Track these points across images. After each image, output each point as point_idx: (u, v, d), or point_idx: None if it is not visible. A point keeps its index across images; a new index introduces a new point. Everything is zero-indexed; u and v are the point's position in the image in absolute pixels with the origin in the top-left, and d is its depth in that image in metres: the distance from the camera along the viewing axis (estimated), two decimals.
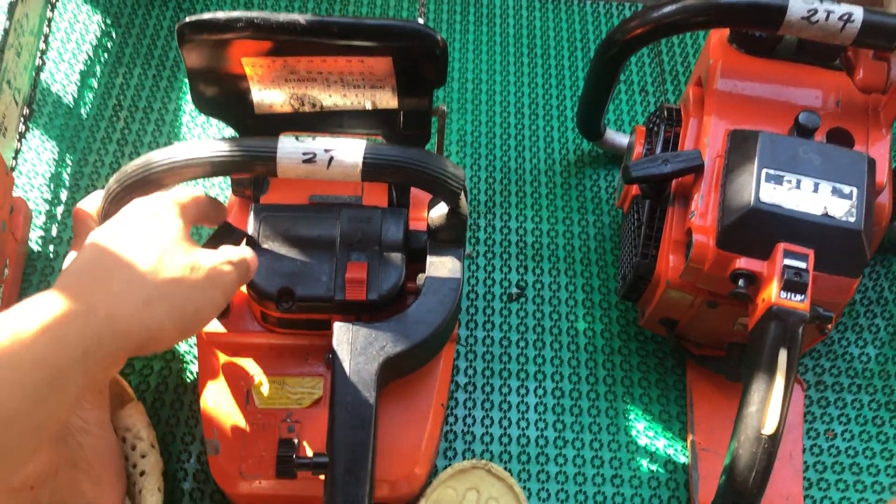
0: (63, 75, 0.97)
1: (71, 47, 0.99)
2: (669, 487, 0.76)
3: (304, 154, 0.55)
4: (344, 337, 0.59)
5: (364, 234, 0.62)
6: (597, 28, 1.06)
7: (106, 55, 0.99)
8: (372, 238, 0.62)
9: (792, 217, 0.63)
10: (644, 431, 0.79)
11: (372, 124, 0.63)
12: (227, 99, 0.61)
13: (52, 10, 0.99)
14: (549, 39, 1.04)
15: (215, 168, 0.55)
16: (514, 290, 0.85)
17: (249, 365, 0.64)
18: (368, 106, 0.61)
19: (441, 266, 0.62)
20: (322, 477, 0.58)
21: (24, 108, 0.89)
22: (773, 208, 0.63)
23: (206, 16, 0.56)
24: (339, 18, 0.56)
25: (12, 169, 0.86)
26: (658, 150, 0.75)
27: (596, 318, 0.84)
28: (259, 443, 0.62)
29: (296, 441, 0.59)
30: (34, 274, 0.83)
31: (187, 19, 0.56)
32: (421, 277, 0.63)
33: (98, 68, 0.98)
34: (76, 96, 0.96)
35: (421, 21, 0.75)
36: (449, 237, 0.63)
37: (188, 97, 0.96)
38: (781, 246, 0.63)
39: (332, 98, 0.60)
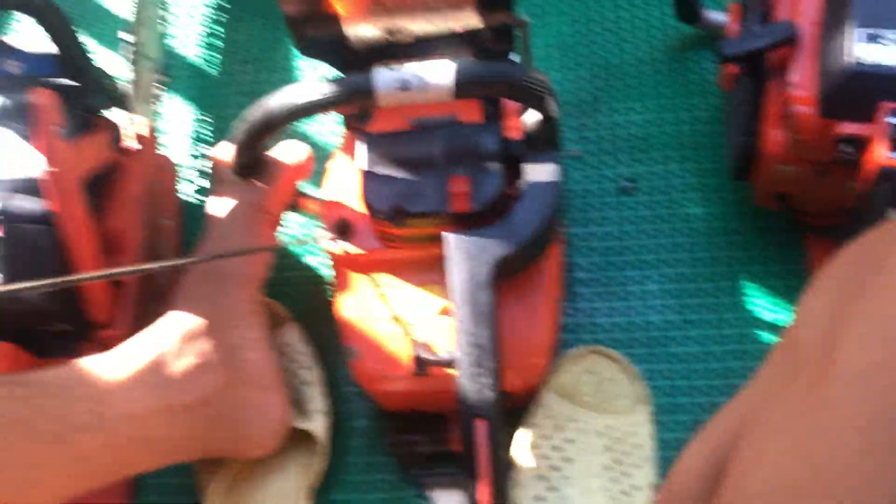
0: (189, 41, 1.06)
1: (190, 11, 1.07)
2: None
3: (399, 82, 0.60)
4: (456, 246, 0.64)
5: (463, 149, 0.66)
6: None
7: (225, 14, 1.06)
8: (471, 152, 0.66)
9: (893, 75, 0.62)
10: (767, 306, 0.80)
11: (460, 45, 0.66)
12: (324, 39, 0.66)
13: None
14: None
15: (323, 106, 0.61)
16: (626, 184, 0.87)
17: (377, 279, 0.71)
18: (453, 28, 0.64)
19: (538, 170, 0.66)
20: (453, 372, 0.65)
21: (160, 75, 0.98)
22: (873, 68, 0.62)
23: None
24: None
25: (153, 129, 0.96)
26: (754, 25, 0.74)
27: (711, 201, 0.85)
28: (394, 346, 0.69)
29: (427, 343, 0.66)
30: (191, 221, 0.94)
31: None
32: (521, 183, 0.67)
33: (219, 28, 1.06)
34: (204, 57, 1.04)
35: None
36: (543, 140, 0.66)
37: None
38: (885, 105, 0.62)
39: (418, 25, 0.64)
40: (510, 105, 0.71)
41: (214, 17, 1.07)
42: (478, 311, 0.62)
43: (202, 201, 0.95)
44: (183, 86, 1.03)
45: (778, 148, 0.70)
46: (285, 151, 0.76)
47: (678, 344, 0.80)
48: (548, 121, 0.63)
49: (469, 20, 0.64)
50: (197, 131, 0.99)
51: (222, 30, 1.06)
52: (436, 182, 0.66)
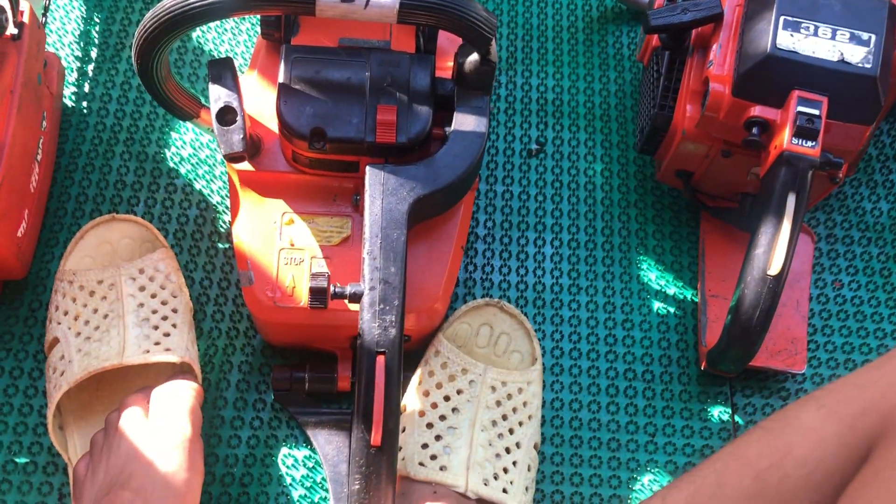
0: None
1: None
2: (678, 331, 0.81)
3: None
4: (376, 178, 0.62)
5: (393, 79, 0.64)
6: None
7: None
8: (400, 83, 0.64)
9: (807, 63, 0.65)
10: (656, 280, 0.83)
11: None
12: None
13: None
14: None
15: (253, 5, 0.56)
16: (534, 146, 0.88)
17: (280, 204, 0.68)
18: None
19: (469, 113, 0.65)
20: (353, 307, 0.62)
21: None
22: (790, 55, 0.65)
23: None
24: None
25: (43, 25, 0.87)
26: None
27: (614, 172, 0.87)
28: (291, 275, 0.66)
29: (327, 273, 0.63)
30: (70, 129, 0.86)
31: None
32: (448, 125, 0.65)
33: None
34: None
35: None
36: (477, 85, 0.64)
37: None
38: (796, 93, 0.65)
39: None
40: (444, 44, 0.69)
41: None
42: (389, 247, 0.61)
43: (88, 109, 0.87)
44: None
45: (691, 123, 0.72)
46: (175, 393, 0.67)
47: (567, 308, 0.81)
48: (486, 64, 0.62)
49: None
50: (83, 31, 0.91)
51: None
52: (361, 108, 0.63)
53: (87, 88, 0.89)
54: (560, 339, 0.80)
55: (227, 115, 0.61)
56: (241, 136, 0.61)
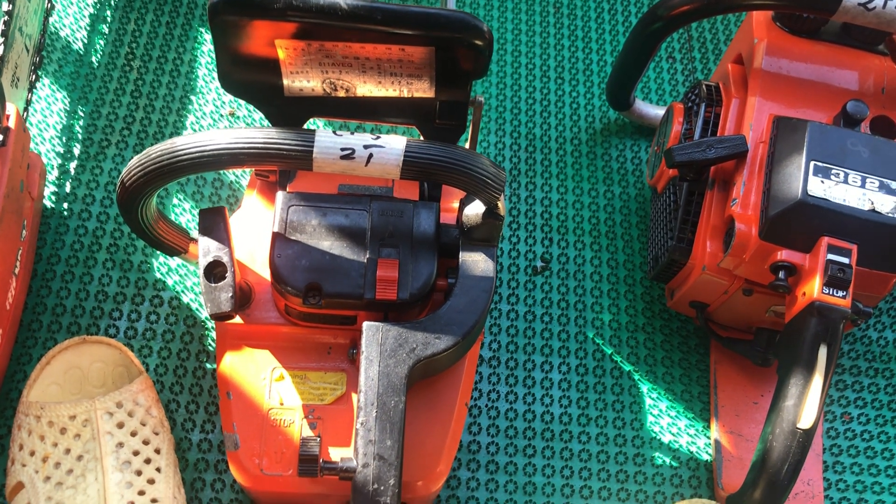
0: (72, 19, 0.93)
1: None
2: (690, 467, 0.77)
3: (342, 150, 0.52)
4: (374, 337, 0.57)
5: (395, 228, 0.60)
6: None
7: None
8: (403, 232, 0.60)
9: (838, 212, 0.62)
10: (666, 411, 0.79)
11: (406, 113, 0.60)
12: (256, 80, 0.58)
13: None
14: None
15: (246, 160, 0.53)
16: (539, 263, 0.84)
17: (269, 357, 0.63)
18: (404, 94, 0.58)
19: (473, 265, 0.60)
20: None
21: (35, 55, 0.85)
22: (820, 202, 0.62)
23: None
24: (383, 5, 0.52)
25: (24, 120, 0.83)
26: (697, 130, 0.72)
27: (621, 293, 0.83)
28: (280, 438, 0.61)
29: (318, 438, 0.59)
30: (48, 232, 0.81)
31: None
32: (453, 275, 0.61)
33: (109, 12, 0.94)
34: (86, 42, 0.92)
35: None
36: (483, 237, 0.60)
37: (204, 48, 0.92)
38: (825, 240, 0.62)
39: (366, 85, 0.57)
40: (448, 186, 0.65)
41: None
42: (386, 417, 0.56)
43: (69, 211, 0.83)
44: (57, 71, 0.90)
45: (711, 260, 0.68)
46: None
47: (577, 441, 0.77)
48: (493, 217, 0.58)
49: (423, 91, 0.58)
50: (66, 126, 0.87)
51: (112, 15, 0.93)
52: (360, 261, 0.59)
53: (68, 188, 0.84)
54: (570, 475, 0.75)
55: (215, 270, 0.57)
56: (230, 294, 0.57)
